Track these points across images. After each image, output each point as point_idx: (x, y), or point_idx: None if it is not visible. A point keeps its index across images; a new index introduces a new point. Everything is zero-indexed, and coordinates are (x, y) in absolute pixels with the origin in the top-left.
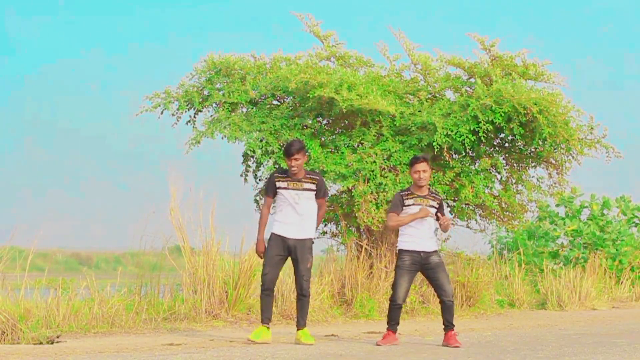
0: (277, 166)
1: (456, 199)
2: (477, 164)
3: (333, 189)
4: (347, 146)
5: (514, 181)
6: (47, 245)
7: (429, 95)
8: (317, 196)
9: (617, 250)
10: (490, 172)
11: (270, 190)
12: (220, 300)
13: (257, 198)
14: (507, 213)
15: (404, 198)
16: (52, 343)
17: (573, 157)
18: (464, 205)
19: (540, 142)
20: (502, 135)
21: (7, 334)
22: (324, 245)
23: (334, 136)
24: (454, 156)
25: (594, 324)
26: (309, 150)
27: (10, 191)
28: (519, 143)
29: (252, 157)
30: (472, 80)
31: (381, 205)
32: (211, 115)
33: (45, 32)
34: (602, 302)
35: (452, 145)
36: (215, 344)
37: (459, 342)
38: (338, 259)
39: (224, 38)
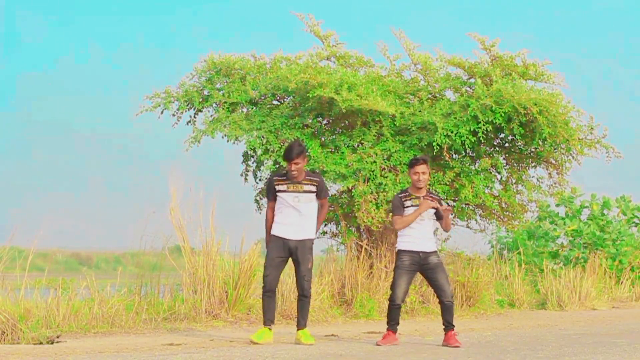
0: (277, 165)
1: (456, 199)
2: (477, 164)
3: (333, 189)
4: (347, 146)
5: (514, 181)
6: (47, 245)
7: (429, 95)
8: (318, 197)
9: (617, 250)
10: (490, 172)
11: (270, 194)
12: (220, 300)
13: (258, 198)
14: (507, 213)
15: (403, 200)
16: (52, 343)
17: (573, 157)
18: (464, 205)
19: (540, 142)
20: (502, 135)
21: (7, 334)
22: (324, 245)
23: (334, 136)
24: (454, 156)
25: (594, 324)
26: (309, 150)
27: (10, 191)
28: (519, 143)
29: (252, 157)
30: (472, 80)
31: (381, 205)
32: (211, 115)
33: (46, 31)
34: (602, 302)
35: (452, 145)
36: (215, 344)
37: (459, 342)
38: (338, 259)
39: (224, 38)
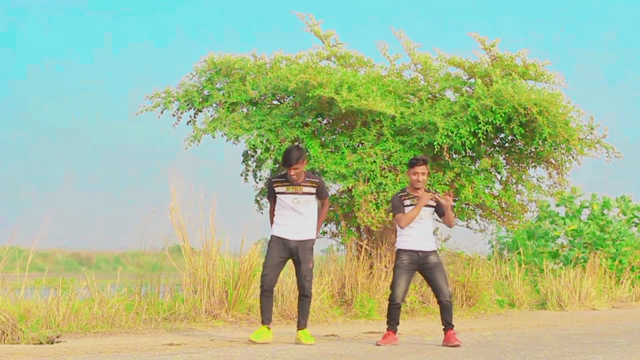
0: (277, 165)
1: (456, 199)
2: (477, 164)
3: (333, 188)
4: (347, 146)
5: (514, 181)
6: (47, 245)
7: (429, 95)
8: (318, 197)
9: (617, 250)
10: (491, 172)
11: (271, 196)
12: (220, 300)
13: (258, 198)
14: (507, 213)
15: (402, 199)
16: (52, 343)
17: (573, 157)
18: (464, 205)
19: (541, 142)
20: (502, 135)
21: (7, 334)
22: (324, 245)
23: (334, 136)
24: (453, 156)
25: (594, 324)
26: (309, 150)
27: (10, 191)
28: (519, 143)
29: (252, 156)
30: (472, 80)
31: (381, 205)
32: (211, 115)
33: (46, 31)
34: (602, 302)
35: (452, 145)
36: (215, 344)
37: (459, 340)
38: (338, 259)
39: (224, 38)
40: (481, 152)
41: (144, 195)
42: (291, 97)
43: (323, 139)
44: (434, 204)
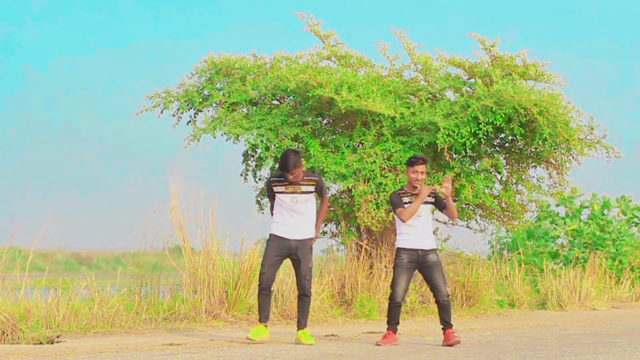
0: (277, 164)
1: (456, 199)
2: (477, 164)
3: (333, 188)
4: (347, 146)
5: (514, 181)
6: (47, 245)
7: (429, 95)
8: (317, 194)
9: (617, 250)
10: (491, 172)
11: (270, 196)
12: (220, 300)
13: (259, 199)
14: (507, 213)
15: (401, 196)
16: (52, 343)
17: (573, 157)
18: (464, 205)
19: (541, 143)
20: (502, 135)
21: (7, 334)
22: (324, 245)
23: (334, 136)
24: (454, 156)
25: (594, 324)
26: (309, 149)
27: (10, 191)
28: (519, 143)
29: (253, 156)
30: (472, 80)
31: (381, 205)
32: (211, 116)
33: (46, 30)
34: (602, 302)
35: (453, 145)
36: (215, 344)
37: (459, 337)
38: (338, 259)
39: (224, 37)
40: (481, 152)
41: (144, 195)
42: (291, 97)
43: (323, 139)
44: (433, 200)
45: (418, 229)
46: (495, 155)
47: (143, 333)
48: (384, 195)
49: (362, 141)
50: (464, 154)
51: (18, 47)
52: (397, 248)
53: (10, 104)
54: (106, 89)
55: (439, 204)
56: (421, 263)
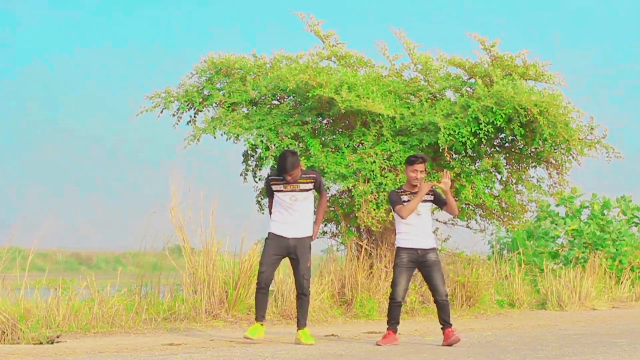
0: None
1: (456, 199)
2: (477, 164)
3: (333, 189)
4: (347, 146)
5: (514, 181)
6: (47, 245)
7: (429, 95)
8: (316, 191)
9: (617, 250)
10: (491, 172)
11: (269, 194)
12: (220, 300)
13: (259, 199)
14: (507, 213)
15: (400, 195)
16: (52, 343)
17: (573, 157)
18: (464, 206)
19: (541, 143)
20: (503, 135)
21: (7, 334)
22: (324, 245)
23: (334, 136)
24: (454, 156)
25: (594, 324)
26: (310, 148)
27: (10, 191)
28: (519, 143)
29: (252, 156)
30: (472, 80)
31: (381, 205)
32: (211, 116)
33: (46, 30)
34: (602, 302)
35: (453, 145)
36: (215, 344)
37: (458, 335)
38: (338, 259)
39: (224, 37)
40: (481, 152)
41: (144, 195)
42: (291, 97)
43: (323, 139)
44: (432, 198)
45: (418, 228)
46: (495, 155)
47: (143, 333)
48: (384, 195)
49: (362, 141)
50: (464, 154)
51: (17, 46)
52: (397, 247)
53: (10, 104)
54: (106, 89)
55: (439, 201)
56: (421, 262)
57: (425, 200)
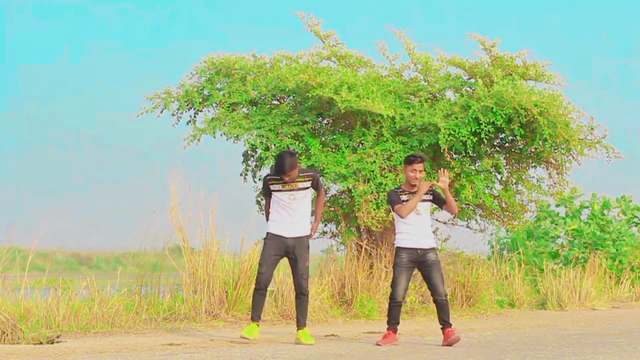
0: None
1: (456, 199)
2: (477, 164)
3: (333, 189)
4: (347, 146)
5: (514, 181)
6: (47, 245)
7: (429, 95)
8: (313, 189)
9: (617, 250)
10: (491, 172)
11: (267, 194)
12: (220, 300)
13: (259, 198)
14: (507, 213)
15: (399, 194)
16: (52, 343)
17: (573, 158)
18: (464, 206)
19: (541, 143)
20: (503, 135)
21: (7, 334)
22: (324, 245)
23: (334, 136)
24: (454, 156)
25: (594, 324)
26: (310, 148)
27: (10, 191)
28: (519, 143)
29: (253, 156)
30: (472, 80)
31: (381, 205)
32: (211, 117)
33: (46, 30)
34: (602, 302)
35: (453, 145)
36: (215, 344)
37: (458, 335)
38: (338, 259)
39: (224, 37)
40: (482, 153)
41: (144, 195)
42: (291, 97)
43: (323, 139)
44: (431, 198)
45: (417, 228)
46: (495, 155)
47: (143, 333)
48: (384, 195)
49: (362, 141)
50: (464, 154)
51: (17, 46)
52: (397, 247)
53: (10, 103)
54: (106, 89)
55: (438, 200)
56: (421, 262)
57: (424, 200)
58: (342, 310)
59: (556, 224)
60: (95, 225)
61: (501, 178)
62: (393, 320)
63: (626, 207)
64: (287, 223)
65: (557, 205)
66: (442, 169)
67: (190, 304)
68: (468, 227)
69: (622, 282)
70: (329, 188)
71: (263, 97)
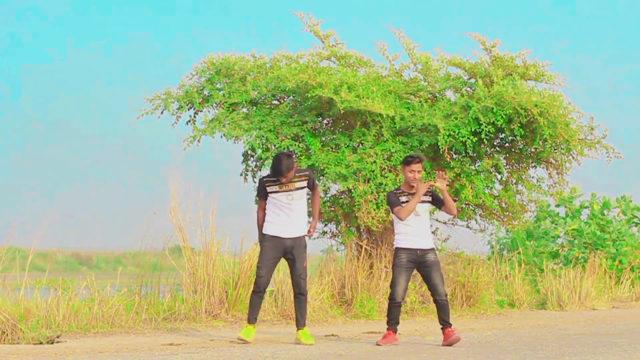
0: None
1: (456, 199)
2: (477, 164)
3: (333, 189)
4: (347, 146)
5: (514, 181)
6: (47, 245)
7: (429, 95)
8: (309, 188)
9: (617, 250)
10: (491, 172)
11: (262, 195)
12: (220, 300)
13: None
14: (507, 213)
15: (398, 196)
16: (52, 343)
17: (573, 158)
18: (464, 206)
19: (541, 143)
20: (503, 135)
21: (7, 334)
22: (324, 245)
23: (334, 136)
24: (454, 156)
25: (594, 324)
26: (310, 148)
27: (10, 191)
28: (520, 143)
29: (252, 156)
30: (473, 80)
31: (381, 205)
32: (211, 118)
33: (46, 30)
34: (602, 302)
35: (453, 145)
36: (215, 344)
37: (458, 335)
38: (338, 259)
39: (224, 37)
40: (482, 153)
41: (144, 195)
42: (291, 97)
43: (323, 139)
44: (430, 199)
45: (416, 229)
46: (495, 155)
47: (143, 333)
48: (384, 196)
49: (362, 141)
50: (464, 154)
51: (17, 46)
52: (396, 248)
53: (10, 104)
54: (106, 89)
55: (437, 201)
56: (420, 262)
57: (423, 201)
58: (342, 310)
59: (556, 224)
60: (95, 225)
61: (501, 178)
62: (393, 321)
63: (626, 207)
64: (285, 224)
65: (557, 205)
66: (438, 170)
67: (190, 304)
68: (468, 227)
69: (622, 282)
70: (329, 188)
71: (263, 97)
